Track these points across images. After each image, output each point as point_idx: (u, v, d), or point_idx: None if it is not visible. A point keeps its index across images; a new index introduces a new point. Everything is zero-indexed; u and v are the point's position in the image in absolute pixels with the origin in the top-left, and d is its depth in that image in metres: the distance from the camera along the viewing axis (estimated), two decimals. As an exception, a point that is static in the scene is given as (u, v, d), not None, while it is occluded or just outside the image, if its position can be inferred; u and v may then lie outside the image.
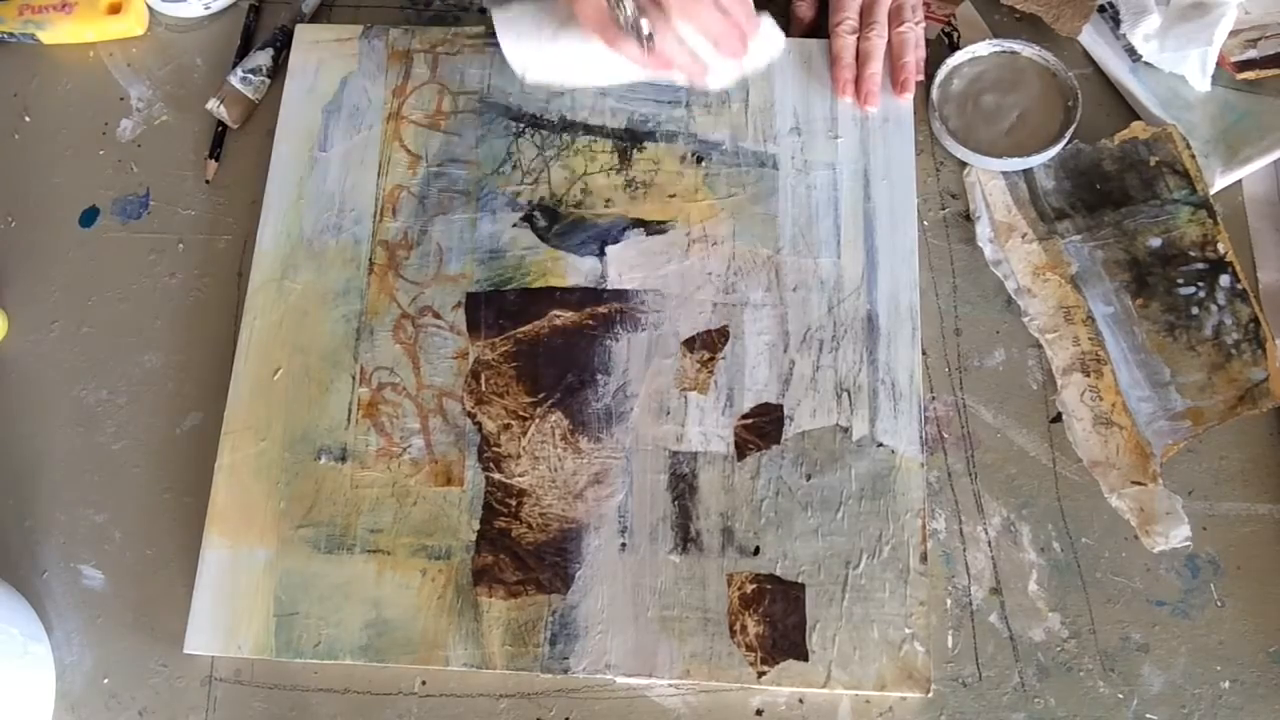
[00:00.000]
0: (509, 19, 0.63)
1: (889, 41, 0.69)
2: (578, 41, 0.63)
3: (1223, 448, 0.62)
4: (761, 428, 0.62)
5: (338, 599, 0.60)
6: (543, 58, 0.63)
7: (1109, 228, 0.66)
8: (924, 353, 0.64)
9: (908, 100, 0.69)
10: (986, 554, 0.60)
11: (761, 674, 0.57)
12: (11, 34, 0.76)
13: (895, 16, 0.69)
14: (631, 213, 0.68)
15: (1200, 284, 0.64)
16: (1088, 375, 0.63)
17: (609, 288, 0.66)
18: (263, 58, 0.74)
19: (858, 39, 0.69)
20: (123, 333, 0.68)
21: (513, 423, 0.63)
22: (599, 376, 0.64)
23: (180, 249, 0.70)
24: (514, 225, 0.68)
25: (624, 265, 0.66)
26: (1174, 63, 0.68)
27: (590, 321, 0.65)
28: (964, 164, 0.69)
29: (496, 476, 0.62)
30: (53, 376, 0.68)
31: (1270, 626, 0.58)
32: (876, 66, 0.68)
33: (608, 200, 0.68)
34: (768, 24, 0.65)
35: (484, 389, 0.64)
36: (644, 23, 0.57)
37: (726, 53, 0.61)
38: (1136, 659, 0.58)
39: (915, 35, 0.69)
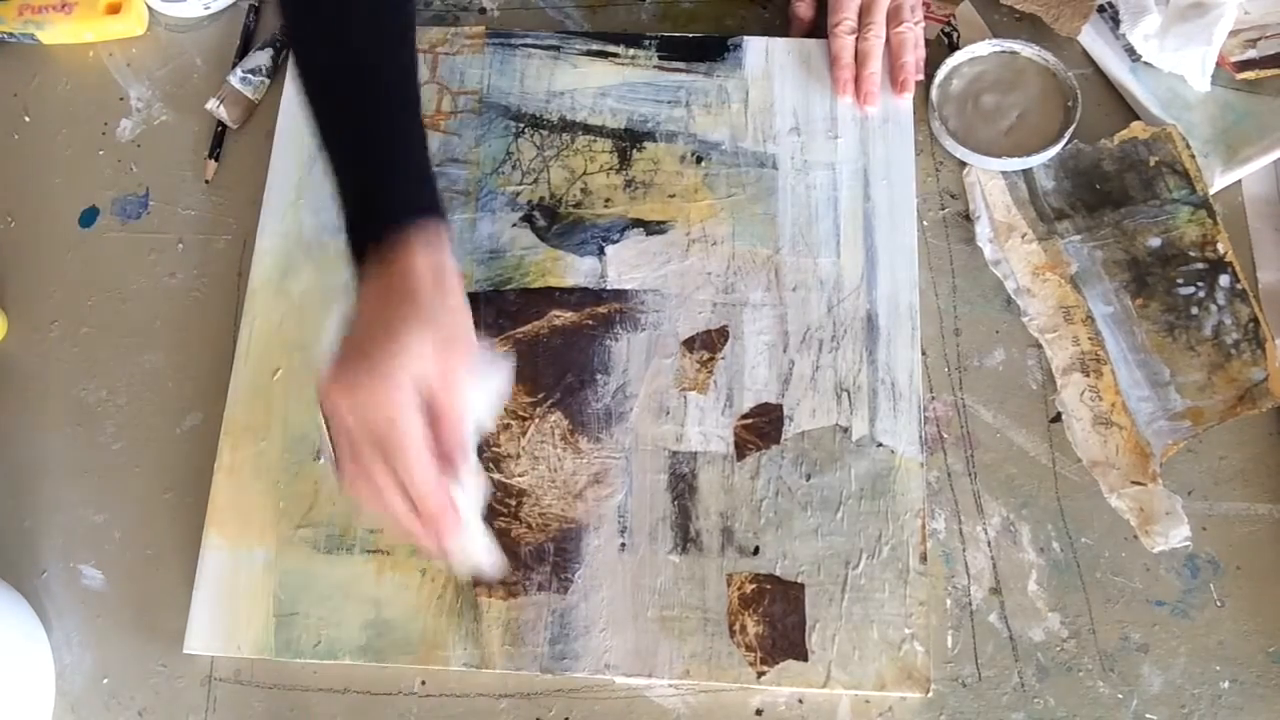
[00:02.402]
0: None
1: (887, 41, 0.69)
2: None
3: (1222, 448, 0.62)
4: (761, 428, 0.62)
5: (337, 599, 0.60)
6: None
7: (1109, 228, 0.66)
8: (923, 352, 0.64)
9: (907, 100, 0.69)
10: (986, 554, 0.60)
11: (761, 674, 0.57)
12: (11, 34, 0.76)
13: (894, 17, 0.69)
14: (631, 213, 0.68)
15: (1200, 284, 0.64)
16: (1087, 375, 0.63)
17: (608, 288, 0.66)
18: (262, 58, 0.74)
19: (856, 39, 0.69)
20: (123, 333, 0.68)
21: (512, 423, 0.63)
22: (598, 376, 0.64)
23: (180, 249, 0.70)
24: (513, 225, 0.68)
25: (623, 265, 0.66)
26: (1174, 63, 0.68)
27: (590, 321, 0.65)
28: (964, 164, 0.69)
29: (496, 476, 0.62)
30: (53, 376, 0.68)
31: (1270, 626, 0.58)
32: (875, 66, 0.68)
33: (607, 200, 0.68)
34: (479, 542, 0.53)
35: (484, 389, 0.64)
36: (331, 459, 0.50)
37: (404, 522, 0.50)
38: (1136, 659, 0.58)
39: (914, 35, 0.69)
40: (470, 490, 0.52)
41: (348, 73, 0.55)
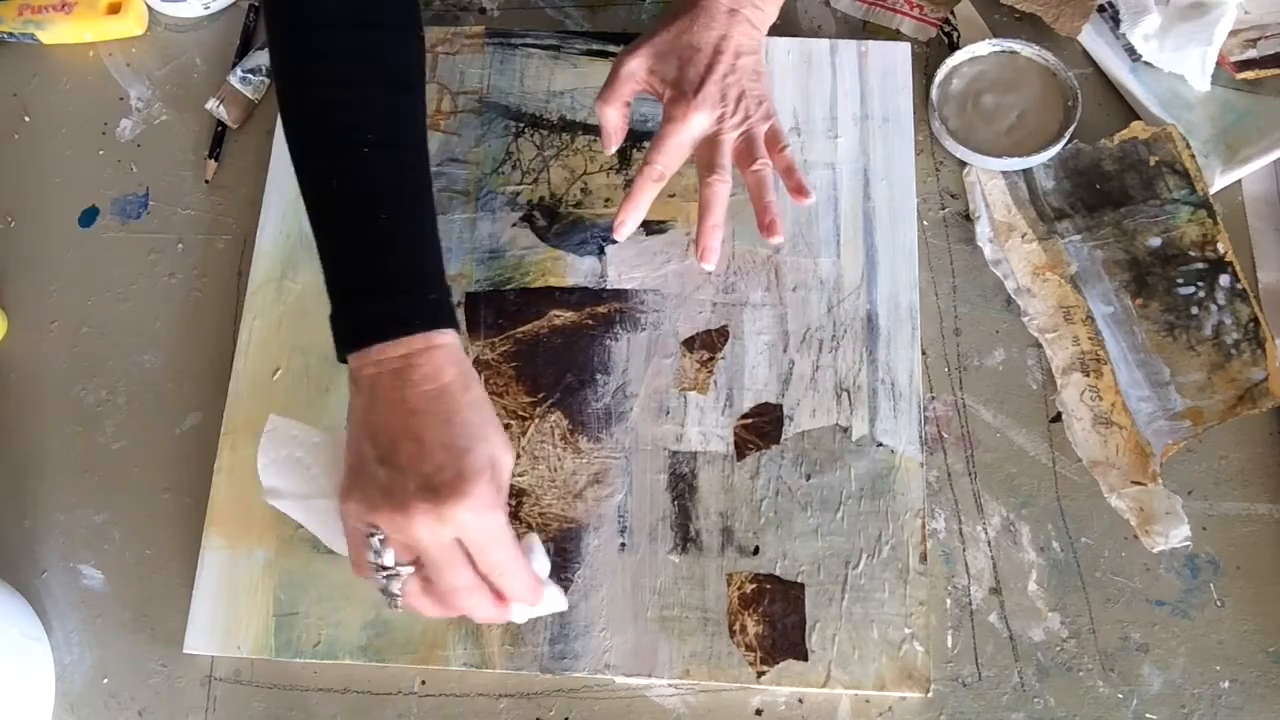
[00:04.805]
0: (281, 434, 0.55)
1: (748, 183, 0.62)
2: (332, 506, 0.52)
3: (1222, 448, 0.62)
4: (761, 427, 0.62)
5: (337, 599, 0.60)
6: (292, 494, 0.54)
7: (1109, 227, 0.66)
8: (923, 352, 0.64)
9: (905, 104, 0.69)
10: (986, 554, 0.60)
11: (761, 674, 0.57)
12: (11, 34, 0.76)
13: (746, 154, 0.61)
14: (631, 213, 0.67)
15: (1200, 284, 0.64)
16: (1087, 375, 0.63)
17: (608, 287, 0.66)
18: (263, 57, 0.74)
19: (703, 188, 0.61)
20: (123, 333, 0.68)
21: (512, 423, 0.63)
22: (598, 376, 0.64)
23: (180, 249, 0.70)
24: (513, 225, 0.68)
25: (623, 265, 0.66)
26: (1174, 62, 0.68)
27: (590, 321, 0.65)
28: (964, 164, 0.69)
29: (496, 476, 0.62)
30: (53, 376, 0.68)
31: (1270, 626, 0.58)
32: (716, 218, 0.60)
33: (607, 200, 0.68)
34: (551, 594, 0.54)
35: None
36: (394, 587, 0.49)
37: (482, 618, 0.51)
38: (1136, 659, 0.58)
39: (772, 172, 0.62)
40: (538, 555, 0.53)
41: (354, 195, 0.52)
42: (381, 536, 0.48)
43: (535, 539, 0.54)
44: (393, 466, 0.47)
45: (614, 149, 0.64)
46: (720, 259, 0.65)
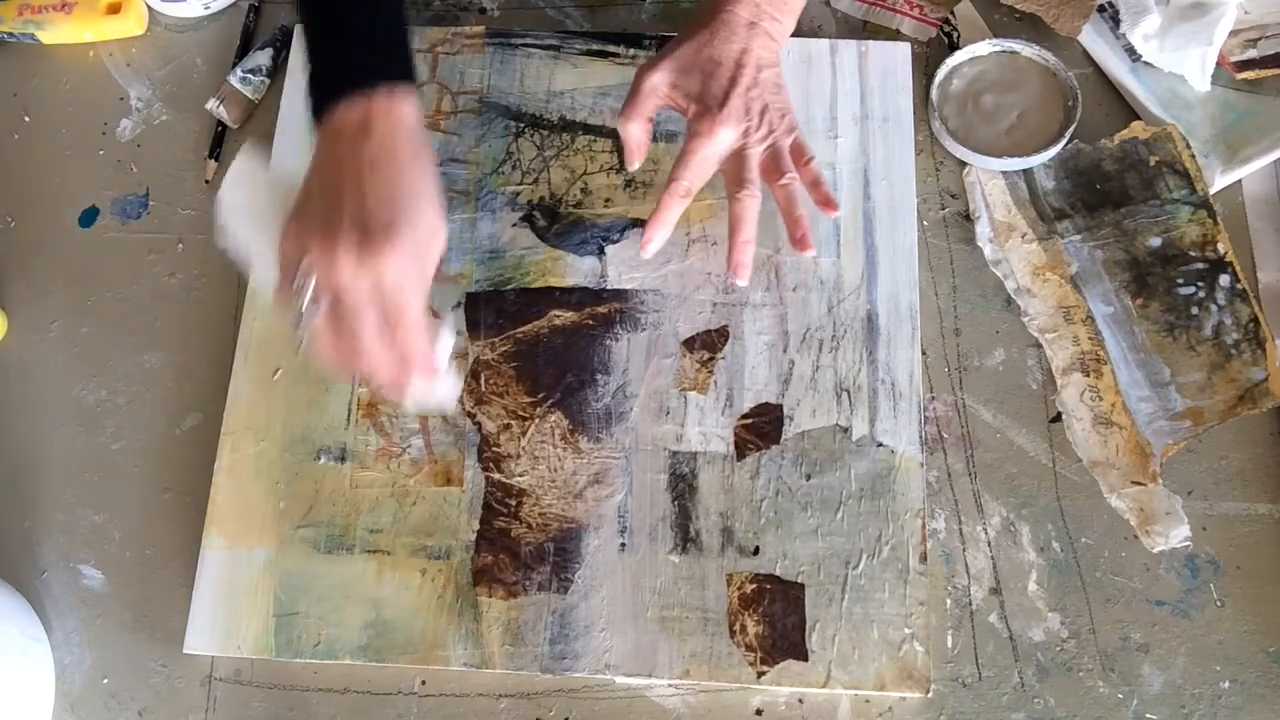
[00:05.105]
0: (247, 172, 0.56)
1: (777, 197, 0.62)
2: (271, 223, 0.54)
3: (1222, 448, 0.62)
4: (761, 428, 0.62)
5: (337, 599, 0.60)
6: (243, 232, 0.55)
7: (1109, 228, 0.66)
8: (924, 352, 0.64)
9: (906, 102, 0.69)
10: (986, 554, 0.60)
11: (761, 674, 0.57)
12: (11, 34, 0.76)
13: (773, 168, 0.61)
14: (631, 212, 0.68)
15: (1200, 284, 0.64)
16: (1087, 375, 0.63)
17: (609, 288, 0.66)
18: (262, 58, 0.74)
19: (733, 203, 0.61)
20: (123, 333, 0.68)
21: (512, 423, 0.63)
22: (599, 376, 0.64)
23: (180, 249, 0.70)
24: (513, 225, 0.68)
25: (624, 265, 0.66)
26: (1174, 63, 0.68)
27: (590, 321, 0.65)
28: (964, 164, 0.69)
29: (496, 476, 0.62)
30: (53, 376, 0.68)
31: (1270, 626, 0.58)
32: (748, 233, 0.61)
33: (607, 200, 0.68)
34: (447, 384, 0.54)
35: (484, 389, 0.64)
36: (307, 317, 0.51)
37: (380, 380, 0.52)
38: (1136, 659, 0.58)
39: (801, 186, 0.62)
40: (445, 338, 0.54)
41: None
42: (309, 264, 0.50)
43: (449, 325, 0.55)
44: (334, 206, 0.50)
45: (637, 165, 0.65)
46: (720, 258, 0.66)
